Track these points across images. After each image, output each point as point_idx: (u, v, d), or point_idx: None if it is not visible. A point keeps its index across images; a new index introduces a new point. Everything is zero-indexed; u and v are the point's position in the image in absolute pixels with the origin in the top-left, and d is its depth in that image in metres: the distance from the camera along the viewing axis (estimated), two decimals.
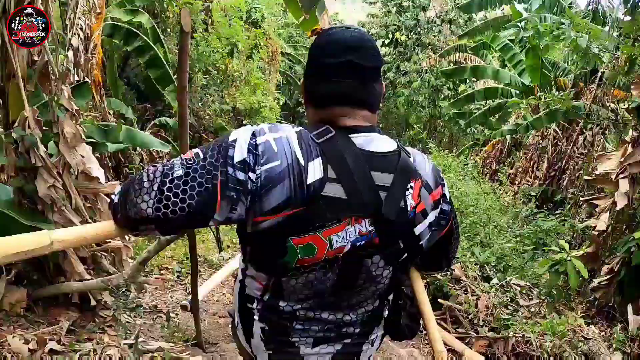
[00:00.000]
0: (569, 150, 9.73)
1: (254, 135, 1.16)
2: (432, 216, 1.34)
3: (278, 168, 1.12)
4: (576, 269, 3.66)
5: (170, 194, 1.09)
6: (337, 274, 1.26)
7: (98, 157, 4.18)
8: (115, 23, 6.70)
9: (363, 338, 1.45)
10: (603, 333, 4.17)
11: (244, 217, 1.16)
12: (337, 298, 1.33)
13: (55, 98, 2.97)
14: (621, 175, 4.36)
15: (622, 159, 4.35)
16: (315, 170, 1.15)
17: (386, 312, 1.50)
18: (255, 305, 1.36)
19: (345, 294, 1.33)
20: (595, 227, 4.81)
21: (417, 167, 1.31)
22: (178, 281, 4.68)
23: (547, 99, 7.26)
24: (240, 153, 1.13)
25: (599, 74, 8.45)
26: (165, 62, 6.91)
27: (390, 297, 1.49)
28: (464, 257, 4.79)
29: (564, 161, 9.95)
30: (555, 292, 3.96)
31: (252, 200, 1.13)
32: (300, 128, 1.22)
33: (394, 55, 23.83)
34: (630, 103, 4.38)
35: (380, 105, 1.40)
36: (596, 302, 4.74)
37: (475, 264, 4.92)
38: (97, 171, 3.17)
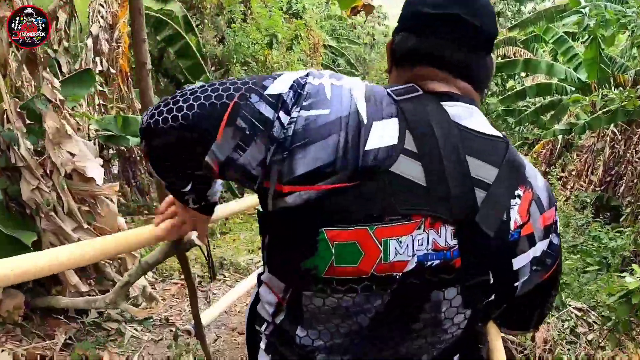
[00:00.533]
0: (627, 154, 8.98)
1: (307, 75, 0.83)
2: (539, 247, 0.89)
3: (325, 118, 0.77)
4: None
5: (171, 102, 0.80)
6: (386, 305, 0.81)
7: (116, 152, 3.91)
8: (145, 11, 6.46)
9: None
10: None
11: (253, 171, 0.79)
12: (379, 343, 0.87)
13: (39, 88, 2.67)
14: None
15: None
16: (383, 134, 0.77)
17: None
18: (264, 328, 0.95)
19: (393, 340, 0.87)
20: None
21: (527, 171, 0.89)
22: (199, 287, 4.39)
23: (611, 96, 6.60)
24: (278, 86, 0.80)
25: None
26: (197, 52, 6.65)
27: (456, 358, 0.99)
28: None
29: (622, 166, 9.23)
30: (621, 323, 3.44)
31: (277, 153, 0.76)
32: (374, 85, 0.87)
33: None
34: None
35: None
36: None
37: None
38: (94, 171, 2.85)
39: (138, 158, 6.88)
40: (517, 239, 0.84)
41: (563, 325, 3.95)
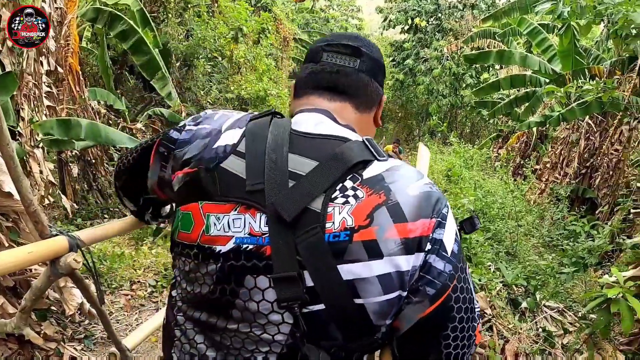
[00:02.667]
0: (603, 146, 8.85)
1: (206, 111, 1.07)
2: (397, 263, 0.80)
3: (205, 130, 0.99)
4: (631, 309, 2.92)
5: (129, 152, 1.15)
6: (215, 282, 0.87)
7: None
8: (99, 7, 6.05)
9: None
10: None
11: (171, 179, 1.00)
12: (221, 325, 0.89)
13: None
14: None
15: None
16: (227, 138, 0.94)
17: None
18: (174, 299, 1.01)
19: (221, 322, 0.89)
20: None
21: (388, 179, 0.84)
22: (150, 298, 4.03)
23: (586, 88, 6.40)
24: (185, 121, 1.06)
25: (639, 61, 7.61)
26: (151, 48, 6.23)
27: None
28: (488, 275, 4.05)
29: (597, 158, 9.11)
30: (600, 331, 3.21)
31: (174, 156, 0.99)
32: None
33: (414, 42, 23.03)
34: None
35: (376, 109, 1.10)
36: None
37: (502, 285, 4.18)
38: (10, 185, 2.49)
39: (98, 160, 6.50)
40: (346, 241, 0.79)
41: (538, 331, 3.73)
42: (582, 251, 5.50)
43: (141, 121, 6.85)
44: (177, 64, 9.06)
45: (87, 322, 3.32)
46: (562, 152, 10.49)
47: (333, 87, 0.99)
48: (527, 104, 10.86)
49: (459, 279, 0.84)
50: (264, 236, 0.83)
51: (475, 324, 0.88)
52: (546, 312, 4.09)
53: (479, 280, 3.86)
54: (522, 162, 13.08)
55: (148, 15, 6.74)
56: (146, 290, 4.09)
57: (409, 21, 23.09)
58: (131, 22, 6.00)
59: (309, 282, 0.80)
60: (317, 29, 22.79)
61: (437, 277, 0.81)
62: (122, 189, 1.23)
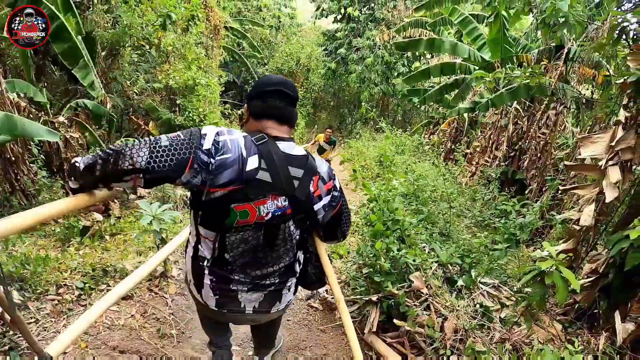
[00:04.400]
0: (531, 130, 9.20)
1: (217, 134, 1.78)
2: (325, 199, 2.05)
3: (230, 159, 1.76)
4: (565, 280, 2.98)
5: (159, 154, 1.67)
6: (263, 234, 1.94)
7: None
8: None
9: (282, 285, 2.13)
10: (586, 343, 3.59)
11: (199, 185, 1.75)
12: (264, 254, 1.99)
13: None
14: (610, 162, 3.71)
15: (612, 143, 3.69)
16: (252, 163, 1.80)
17: (297, 267, 2.19)
18: (205, 263, 1.98)
19: (269, 251, 2.00)
20: (576, 220, 4.19)
21: (318, 167, 2.01)
22: (78, 301, 3.74)
23: (515, 74, 6.58)
24: (207, 144, 1.74)
25: (565, 50, 7.93)
26: (74, 35, 5.79)
27: (300, 254, 2.18)
28: (422, 255, 4.07)
29: (525, 141, 9.47)
30: (536, 302, 3.27)
31: (208, 175, 1.74)
32: (245, 134, 1.87)
33: (346, 31, 23.05)
34: (624, 77, 3.69)
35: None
36: (576, 306, 4.15)
37: (437, 265, 4.22)
38: None
39: (19, 158, 5.99)
40: (313, 198, 1.97)
41: (475, 307, 3.78)
42: (514, 228, 5.66)
43: (64, 114, 6.37)
44: (103, 54, 8.54)
45: (11, 332, 3.02)
46: (492, 137, 10.79)
47: (279, 117, 1.92)
48: (456, 91, 11.09)
49: (343, 200, 2.12)
50: (285, 205, 1.88)
51: (350, 216, 2.23)
52: (482, 289, 4.15)
53: (413, 261, 3.87)
54: (453, 147, 13.43)
55: (71, 1, 6.24)
56: (74, 294, 3.76)
57: (342, 10, 23.13)
58: (52, 8, 5.50)
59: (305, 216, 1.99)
60: (249, 17, 22.37)
61: (337, 199, 2.06)
62: (106, 177, 1.68)
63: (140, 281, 3.06)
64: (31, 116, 5.88)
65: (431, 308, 3.68)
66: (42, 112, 6.28)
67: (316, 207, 1.99)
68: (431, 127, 17.11)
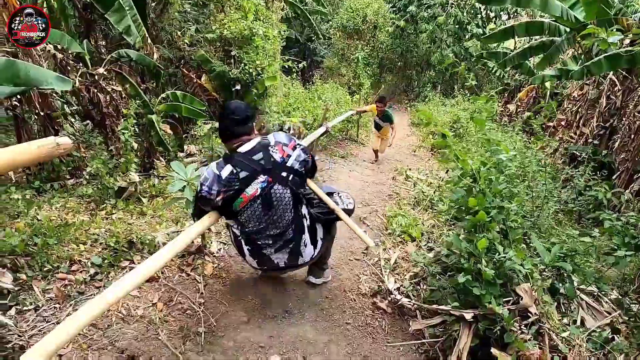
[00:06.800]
0: (629, 107, 7.95)
1: (206, 173, 2.82)
2: (295, 155, 2.95)
3: (210, 180, 2.76)
4: None
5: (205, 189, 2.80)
6: (261, 203, 2.84)
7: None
8: None
9: (298, 241, 3.06)
10: None
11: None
12: (269, 217, 2.91)
13: None
14: None
15: None
16: (225, 172, 2.76)
17: (305, 222, 3.09)
18: (241, 237, 3.02)
19: (272, 212, 2.90)
20: None
21: (275, 139, 2.93)
22: (92, 282, 3.20)
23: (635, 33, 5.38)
24: (199, 187, 2.82)
25: None
26: None
27: (304, 209, 3.10)
28: (522, 255, 3.13)
29: (619, 119, 8.24)
30: None
31: (212, 197, 2.78)
32: (220, 159, 2.86)
33: None
34: None
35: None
36: None
37: (542, 268, 3.34)
38: None
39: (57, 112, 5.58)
40: (284, 159, 2.90)
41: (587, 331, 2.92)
42: (629, 227, 4.47)
43: (104, 65, 5.83)
44: (153, 4, 7.93)
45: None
46: (580, 110, 9.61)
47: (232, 135, 2.89)
48: (543, 55, 9.83)
49: (310, 153, 3.18)
50: (265, 178, 2.84)
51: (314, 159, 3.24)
52: (582, 299, 3.42)
53: (522, 266, 2.98)
54: (532, 118, 12.18)
55: None
56: (88, 272, 3.24)
57: None
58: None
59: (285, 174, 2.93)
60: None
61: (303, 158, 3.02)
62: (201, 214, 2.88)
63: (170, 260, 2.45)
64: (69, 68, 5.39)
65: (545, 338, 2.78)
66: (81, 64, 5.77)
67: (289, 162, 2.92)
68: (505, 95, 15.78)
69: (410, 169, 8.44)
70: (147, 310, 3.06)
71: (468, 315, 2.86)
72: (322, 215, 3.19)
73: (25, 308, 2.76)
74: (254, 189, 2.78)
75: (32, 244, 3.34)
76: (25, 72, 3.31)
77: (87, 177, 5.24)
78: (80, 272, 3.27)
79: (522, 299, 2.85)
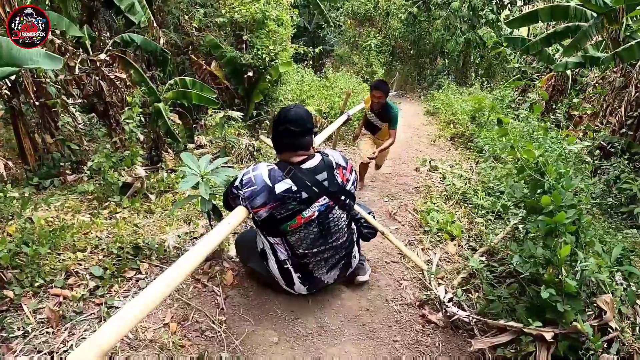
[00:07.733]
0: None
1: (244, 174, 2.67)
2: (352, 177, 2.87)
3: (256, 188, 2.57)
4: None
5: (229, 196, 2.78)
6: (317, 227, 2.72)
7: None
8: None
9: (349, 256, 3.04)
10: None
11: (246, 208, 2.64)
12: (324, 240, 2.80)
13: None
14: None
15: None
16: (282, 186, 2.57)
17: (354, 237, 3.10)
18: (289, 264, 2.83)
19: (328, 236, 2.81)
20: None
21: (335, 160, 2.78)
22: (91, 298, 2.72)
23: None
24: (237, 182, 2.68)
25: None
26: None
27: (354, 226, 3.11)
28: (599, 262, 2.66)
29: None
30: None
31: (243, 202, 2.62)
32: (273, 166, 2.65)
33: None
34: None
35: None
36: None
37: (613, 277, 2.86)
38: None
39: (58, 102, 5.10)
40: (344, 183, 2.79)
41: None
42: None
43: (106, 51, 5.32)
44: None
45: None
46: (607, 99, 9.07)
47: (293, 148, 2.68)
48: (569, 40, 9.29)
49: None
50: (326, 201, 2.71)
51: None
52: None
53: (599, 274, 2.52)
54: (555, 107, 11.61)
55: None
56: (87, 286, 2.77)
57: None
58: None
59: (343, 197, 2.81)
60: None
61: (355, 180, 2.93)
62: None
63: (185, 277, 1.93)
64: (68, 54, 4.89)
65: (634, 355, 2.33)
66: (81, 50, 5.27)
67: (348, 187, 2.84)
68: (523, 84, 15.19)
69: (433, 160, 7.93)
70: (158, 332, 2.58)
71: (548, 335, 2.39)
72: (370, 236, 3.44)
73: (12, 335, 2.28)
74: (311, 211, 2.65)
75: (22, 254, 2.86)
76: (8, 51, 2.81)
77: (89, 172, 4.77)
78: (78, 286, 2.79)
79: (605, 313, 2.46)
